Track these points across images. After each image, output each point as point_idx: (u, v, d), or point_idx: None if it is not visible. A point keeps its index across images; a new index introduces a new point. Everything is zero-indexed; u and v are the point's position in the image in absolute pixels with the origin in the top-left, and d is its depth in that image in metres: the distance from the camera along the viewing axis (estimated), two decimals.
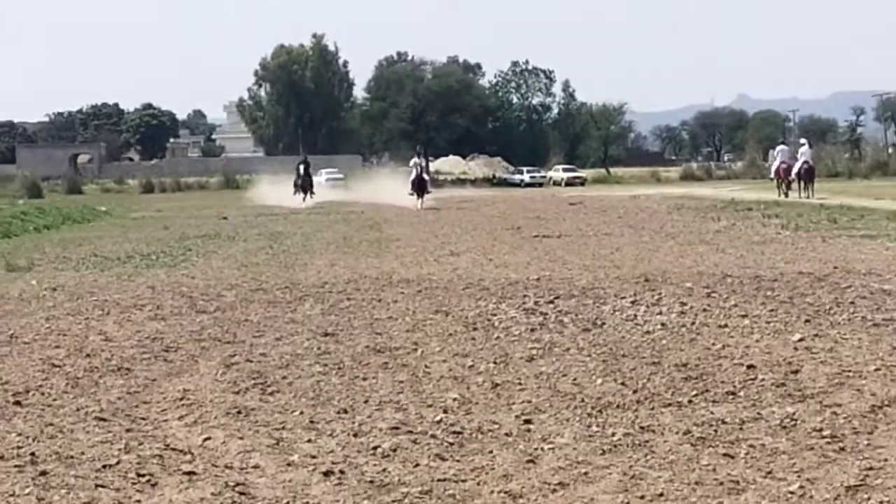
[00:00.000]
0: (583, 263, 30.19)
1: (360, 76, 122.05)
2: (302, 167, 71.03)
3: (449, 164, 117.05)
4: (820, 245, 33.37)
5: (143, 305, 23.41)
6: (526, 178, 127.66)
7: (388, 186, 71.13)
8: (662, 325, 19.11)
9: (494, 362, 16.31)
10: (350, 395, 14.51)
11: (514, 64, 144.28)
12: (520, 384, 14.83)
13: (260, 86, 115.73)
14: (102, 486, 10.87)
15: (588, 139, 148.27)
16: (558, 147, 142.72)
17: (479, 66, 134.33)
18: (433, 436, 12.48)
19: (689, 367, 15.58)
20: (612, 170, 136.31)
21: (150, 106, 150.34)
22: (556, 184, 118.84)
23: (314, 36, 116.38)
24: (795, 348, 16.92)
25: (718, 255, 31.76)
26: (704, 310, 20.79)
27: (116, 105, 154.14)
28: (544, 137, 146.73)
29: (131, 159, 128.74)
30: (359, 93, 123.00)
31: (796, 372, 15.29)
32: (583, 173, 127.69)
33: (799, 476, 10.83)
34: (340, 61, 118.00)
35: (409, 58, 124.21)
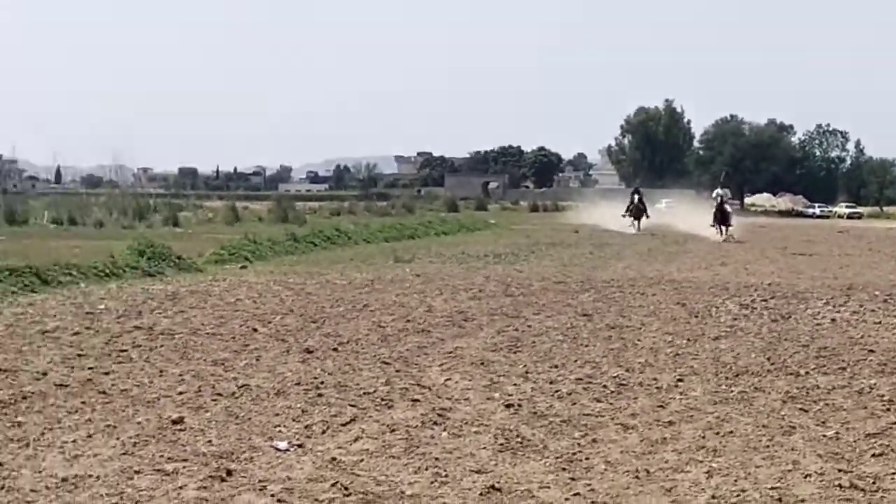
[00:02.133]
0: (812, 274, 29.94)
1: (698, 128, 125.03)
2: (636, 196, 60.51)
3: (761, 199, 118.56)
4: None
5: (471, 289, 24.28)
6: (817, 211, 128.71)
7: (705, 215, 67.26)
8: (833, 320, 19.13)
9: (688, 339, 16.70)
10: (568, 356, 15.14)
11: (818, 126, 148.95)
12: (694, 355, 15.23)
13: (624, 136, 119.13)
14: (353, 406, 11.84)
15: (870, 184, 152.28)
16: (846, 189, 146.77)
17: (791, 126, 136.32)
18: (604, 385, 13.05)
19: (826, 350, 15.70)
20: (885, 208, 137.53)
21: (542, 148, 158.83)
22: (840, 217, 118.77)
23: (666, 100, 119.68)
24: None
25: None
26: (873, 311, 20.64)
27: (519, 147, 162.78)
28: (836, 181, 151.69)
29: (527, 187, 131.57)
30: (696, 143, 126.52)
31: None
32: (861, 210, 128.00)
33: (842, 425, 11.09)
34: (685, 119, 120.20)
35: (739, 118, 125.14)
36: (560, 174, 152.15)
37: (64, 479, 8.65)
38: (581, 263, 32.80)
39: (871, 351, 15.40)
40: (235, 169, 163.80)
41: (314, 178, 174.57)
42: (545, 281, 26.16)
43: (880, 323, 18.68)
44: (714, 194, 54.41)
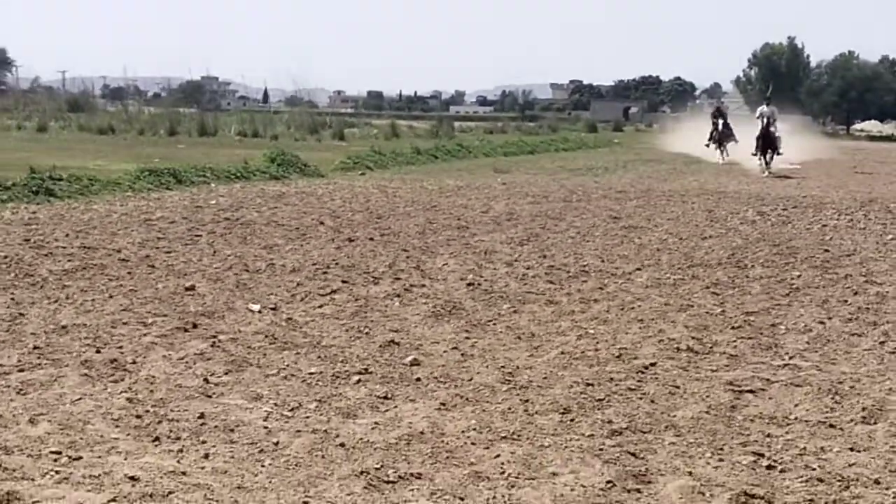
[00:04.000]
0: (853, 189, 29.57)
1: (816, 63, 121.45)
2: (719, 120, 42.60)
3: (868, 125, 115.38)
4: None
5: (538, 195, 24.83)
6: None
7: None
8: (823, 226, 19.31)
9: (682, 238, 17.22)
10: (562, 249, 15.79)
11: None
12: (673, 251, 15.78)
13: (751, 68, 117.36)
14: (345, 282, 12.68)
15: None
16: None
17: None
18: (567, 272, 13.67)
19: (789, 248, 16.08)
20: None
21: (678, 78, 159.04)
22: None
23: (788, 37, 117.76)
24: (879, 243, 17.01)
25: None
26: (870, 220, 20.66)
27: (658, 77, 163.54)
28: None
29: (664, 111, 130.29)
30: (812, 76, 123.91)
31: (850, 255, 15.59)
32: None
33: (733, 305, 11.61)
34: (805, 55, 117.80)
35: (855, 53, 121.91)
36: (695, 101, 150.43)
37: (62, 327, 9.60)
38: (658, 177, 32.77)
39: (827, 250, 15.66)
40: (416, 93, 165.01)
41: (483, 101, 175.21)
42: (610, 190, 26.44)
43: (865, 229, 18.78)
44: (758, 113, 36.92)
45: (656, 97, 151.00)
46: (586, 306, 11.12)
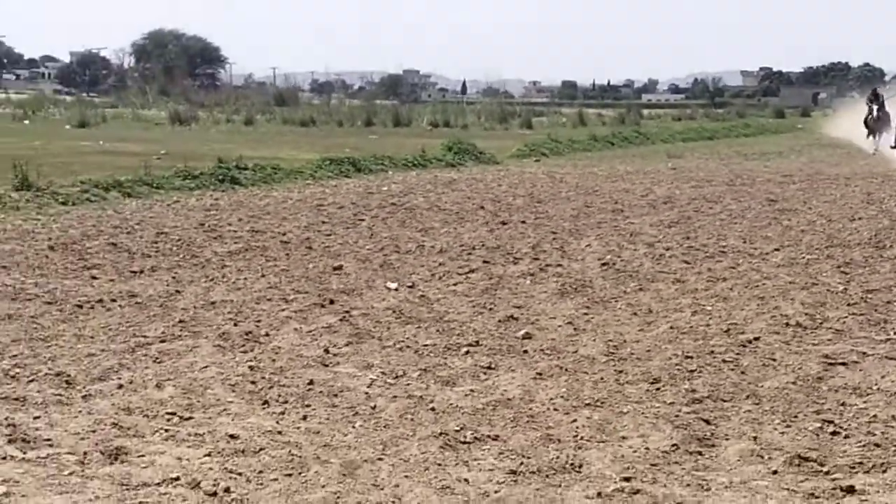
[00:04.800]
0: None
1: None
2: (874, 105, 36.63)
3: None
4: None
5: (702, 179, 24.65)
6: None
7: None
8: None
9: (829, 220, 16.97)
10: (709, 231, 15.74)
11: None
12: (817, 232, 15.58)
13: None
14: (486, 262, 12.98)
15: None
16: None
17: None
18: (706, 252, 13.69)
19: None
20: None
21: (867, 64, 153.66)
22: None
23: None
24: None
25: None
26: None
27: (846, 63, 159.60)
28: None
29: (853, 97, 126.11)
30: None
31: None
32: None
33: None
34: None
35: None
36: (884, 84, 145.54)
37: (211, 303, 10.12)
38: (830, 161, 32.00)
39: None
40: (609, 82, 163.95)
41: (675, 89, 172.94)
42: (776, 174, 26.08)
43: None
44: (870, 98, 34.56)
45: (845, 83, 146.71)
46: (711, 284, 11.12)
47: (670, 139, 42.33)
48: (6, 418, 6.33)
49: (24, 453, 5.78)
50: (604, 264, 12.29)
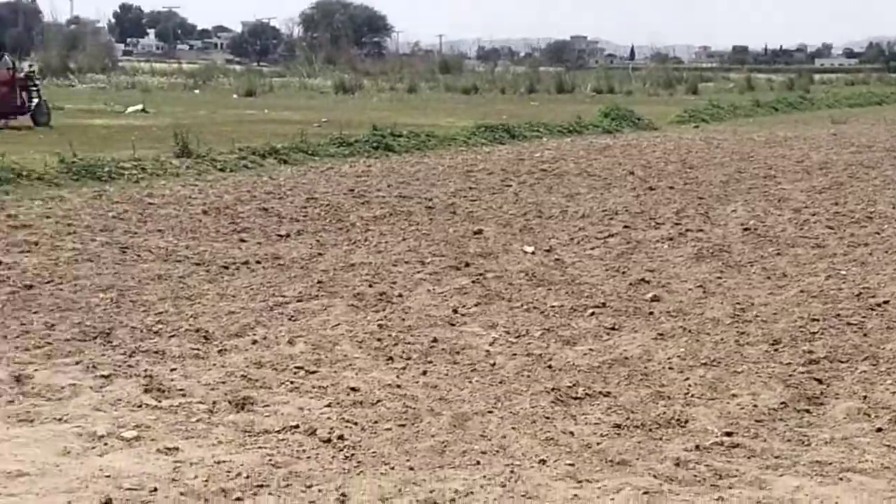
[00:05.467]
0: None
1: None
2: None
3: None
4: None
5: (867, 145, 24.12)
6: None
7: None
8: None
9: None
10: (869, 195, 15.54)
11: None
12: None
13: None
14: (627, 227, 13.14)
15: None
16: None
17: None
18: (853, 217, 13.58)
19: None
20: None
21: None
22: None
23: None
24: None
25: None
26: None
27: None
28: None
29: None
30: None
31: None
32: None
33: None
34: None
35: None
36: None
37: (350, 265, 10.50)
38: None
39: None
40: (781, 46, 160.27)
41: (850, 54, 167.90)
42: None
43: None
44: None
45: None
46: (851, 249, 11.08)
47: (836, 104, 41.40)
48: (145, 370, 6.78)
49: (159, 402, 6.20)
50: (745, 229, 12.29)
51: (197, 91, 46.67)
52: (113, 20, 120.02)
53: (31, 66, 28.84)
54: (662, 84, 57.23)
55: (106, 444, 5.51)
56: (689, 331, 7.89)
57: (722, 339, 7.61)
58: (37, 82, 25.61)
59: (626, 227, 12.51)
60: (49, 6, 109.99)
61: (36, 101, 24.45)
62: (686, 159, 20.18)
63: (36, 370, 6.69)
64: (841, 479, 5.16)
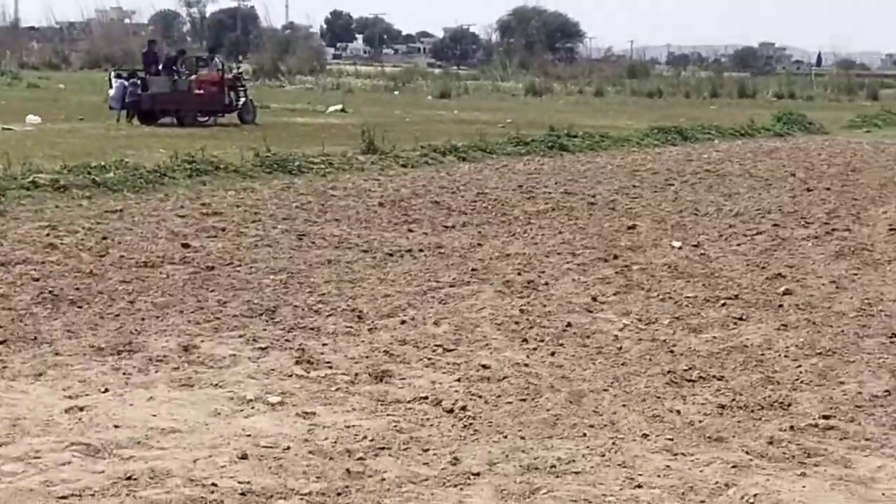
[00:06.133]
0: None
1: None
2: None
3: None
4: None
5: None
6: None
7: None
8: None
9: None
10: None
11: None
12: None
13: None
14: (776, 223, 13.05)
15: None
16: None
17: None
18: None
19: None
20: None
21: None
22: None
23: None
24: None
25: None
26: None
27: None
28: None
29: None
30: None
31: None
32: None
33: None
34: None
35: None
36: None
37: (506, 255, 10.76)
38: None
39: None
40: None
41: None
42: None
43: None
44: None
45: None
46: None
47: None
48: (300, 344, 7.17)
49: (307, 372, 6.58)
50: (892, 230, 12.15)
51: (396, 92, 47.58)
52: (324, 26, 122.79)
53: (239, 67, 29.95)
54: (843, 90, 55.68)
55: (252, 407, 5.87)
56: (813, 322, 7.87)
57: (842, 331, 7.58)
58: (244, 83, 26.60)
59: (775, 225, 12.41)
60: (264, 11, 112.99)
61: (243, 100, 25.43)
62: (850, 162, 19.79)
63: (203, 341, 7.12)
64: None
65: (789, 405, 5.97)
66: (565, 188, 15.42)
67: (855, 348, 7.14)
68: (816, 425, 5.61)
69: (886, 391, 6.16)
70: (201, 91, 24.64)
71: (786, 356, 6.97)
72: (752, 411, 5.88)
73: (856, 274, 9.67)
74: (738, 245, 11.12)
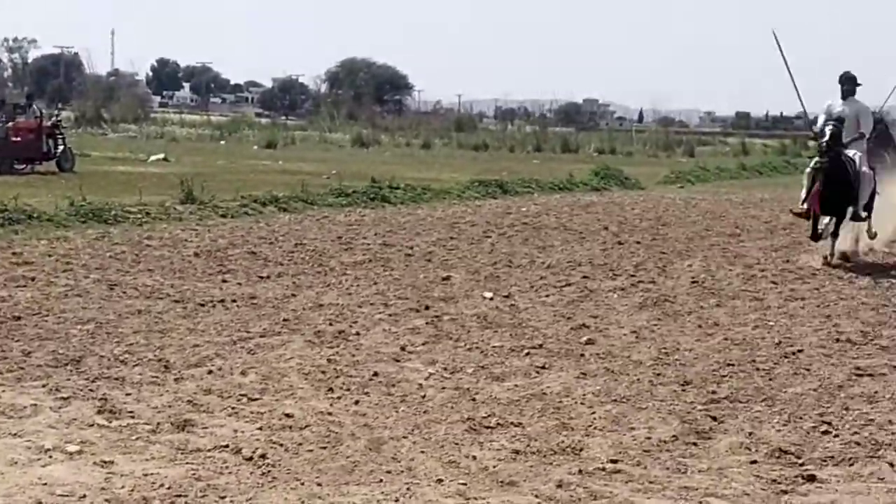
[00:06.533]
0: None
1: None
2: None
3: None
4: None
5: None
6: None
7: None
8: None
9: None
10: (793, 244, 15.77)
11: None
12: None
13: None
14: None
15: None
16: None
17: None
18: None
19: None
20: None
21: None
22: None
23: None
24: None
25: None
26: None
27: None
28: None
29: None
30: None
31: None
32: None
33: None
34: None
35: None
36: None
37: (319, 305, 10.83)
38: None
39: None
40: (781, 113, 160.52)
41: None
42: None
43: None
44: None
45: None
46: (786, 303, 11.37)
47: None
48: (103, 394, 7.13)
49: (108, 422, 6.55)
50: (694, 282, 12.59)
51: (223, 142, 47.27)
52: (150, 73, 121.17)
53: (58, 114, 29.41)
54: (662, 146, 57.65)
55: (50, 456, 5.83)
56: (611, 371, 8.18)
57: (638, 379, 7.90)
58: (63, 130, 26.13)
59: (584, 277, 12.80)
60: (88, 58, 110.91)
61: (61, 147, 24.98)
62: (661, 217, 20.51)
63: (4, 391, 7.03)
64: (701, 502, 5.42)
65: (581, 450, 6.21)
66: (384, 240, 15.60)
67: (648, 395, 7.45)
68: (604, 469, 5.85)
69: (674, 436, 6.46)
70: (18, 139, 24.12)
71: (582, 403, 7.23)
72: (545, 456, 6.09)
73: (656, 324, 10.04)
74: (548, 296, 11.42)
